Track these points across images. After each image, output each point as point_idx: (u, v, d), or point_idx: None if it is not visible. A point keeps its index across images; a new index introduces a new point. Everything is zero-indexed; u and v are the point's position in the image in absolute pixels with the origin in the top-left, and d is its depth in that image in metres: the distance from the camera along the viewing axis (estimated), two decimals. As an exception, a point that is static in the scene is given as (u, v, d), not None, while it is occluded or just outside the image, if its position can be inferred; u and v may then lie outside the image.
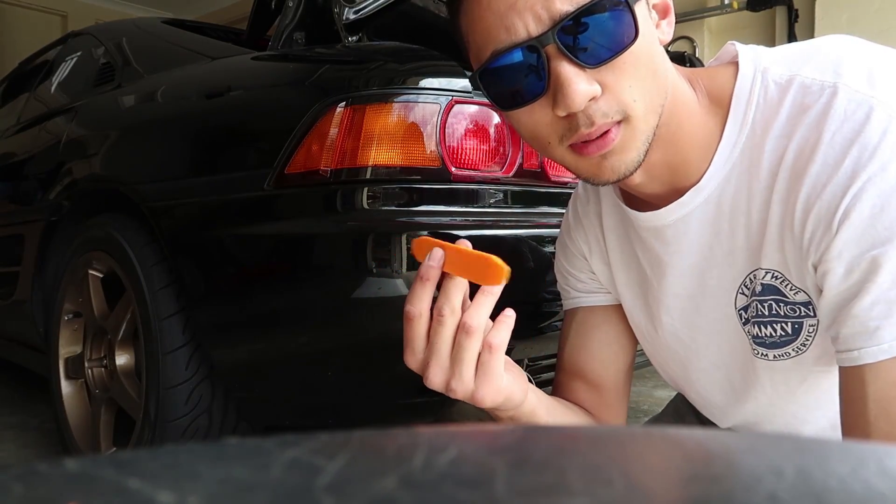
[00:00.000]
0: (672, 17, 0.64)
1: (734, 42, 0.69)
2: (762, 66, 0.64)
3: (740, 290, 0.69)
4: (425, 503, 0.16)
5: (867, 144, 0.57)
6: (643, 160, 0.61)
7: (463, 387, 0.62)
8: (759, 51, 0.66)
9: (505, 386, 0.64)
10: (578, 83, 0.56)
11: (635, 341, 0.86)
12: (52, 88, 2.21)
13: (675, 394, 1.04)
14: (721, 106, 0.65)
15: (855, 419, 0.60)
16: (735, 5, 3.59)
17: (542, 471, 0.18)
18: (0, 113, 2.64)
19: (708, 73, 0.67)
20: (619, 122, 0.59)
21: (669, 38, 0.63)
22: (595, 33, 0.56)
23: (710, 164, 0.66)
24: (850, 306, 0.58)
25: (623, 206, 0.75)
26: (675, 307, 0.75)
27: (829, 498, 0.17)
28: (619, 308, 0.84)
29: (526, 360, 1.23)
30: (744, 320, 0.70)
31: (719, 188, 0.66)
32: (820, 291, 0.61)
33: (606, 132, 0.59)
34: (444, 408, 1.09)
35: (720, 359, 0.75)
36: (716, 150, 0.65)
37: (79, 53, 2.17)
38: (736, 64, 0.66)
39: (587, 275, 0.85)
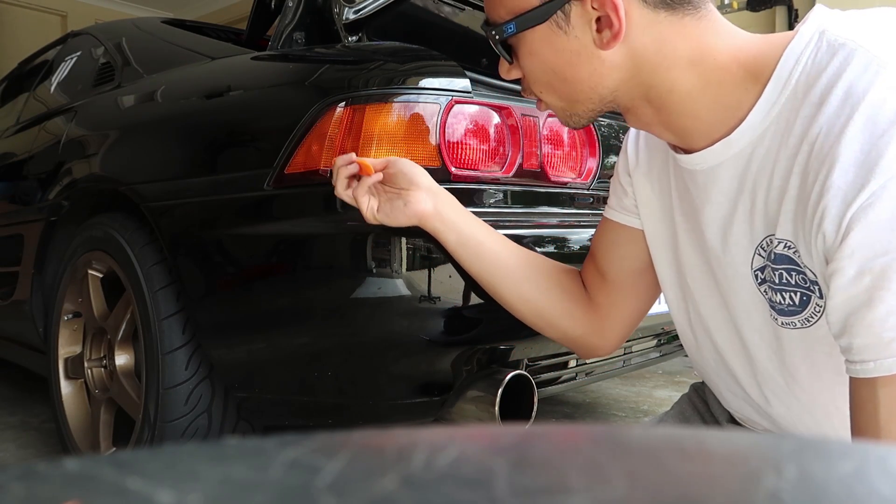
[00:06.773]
0: None
1: (820, 3, 0.67)
2: (824, 26, 0.62)
3: (757, 252, 0.68)
4: (425, 503, 0.16)
5: None
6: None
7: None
8: (833, 12, 0.64)
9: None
10: None
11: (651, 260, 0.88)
12: (52, 88, 2.21)
13: (676, 394, 1.03)
14: (767, 68, 0.64)
15: (865, 423, 0.59)
16: (735, 5, 3.58)
17: (542, 471, 0.18)
18: (0, 113, 2.64)
19: (772, 37, 0.66)
20: None
21: None
22: None
23: (745, 119, 0.65)
24: (863, 315, 0.56)
25: (667, 144, 0.76)
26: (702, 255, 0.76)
27: (829, 498, 0.17)
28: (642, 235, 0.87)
29: (525, 360, 1.22)
30: (759, 281, 0.69)
31: (752, 145, 0.65)
32: (828, 286, 0.59)
33: None
34: (443, 408, 1.10)
35: (738, 317, 0.74)
36: (753, 105, 0.64)
37: (78, 53, 2.16)
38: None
39: (630, 193, 0.86)
